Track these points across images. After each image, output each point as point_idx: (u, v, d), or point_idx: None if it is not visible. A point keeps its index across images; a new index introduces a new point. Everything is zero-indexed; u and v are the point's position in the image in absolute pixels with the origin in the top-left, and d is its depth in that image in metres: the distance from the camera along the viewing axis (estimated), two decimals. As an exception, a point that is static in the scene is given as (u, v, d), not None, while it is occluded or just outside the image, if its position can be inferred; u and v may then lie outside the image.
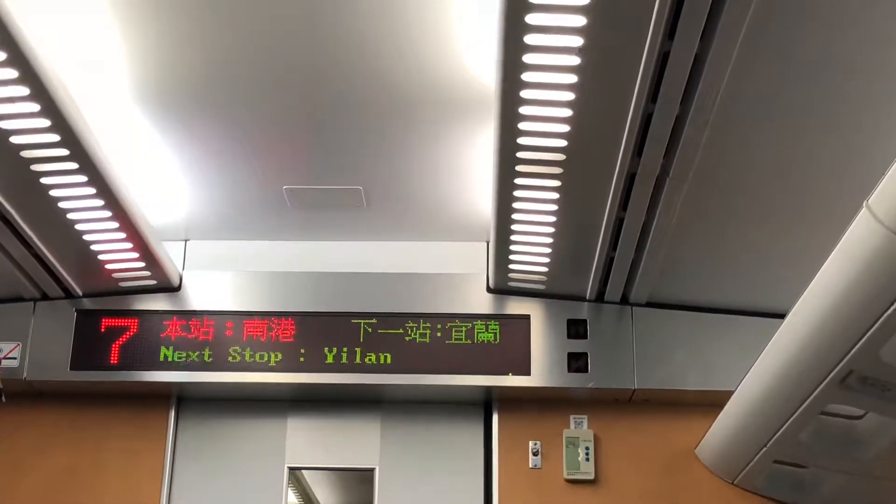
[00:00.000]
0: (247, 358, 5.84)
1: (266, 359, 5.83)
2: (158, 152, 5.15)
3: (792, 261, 4.94)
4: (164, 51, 4.40)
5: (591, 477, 5.84)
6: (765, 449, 5.03)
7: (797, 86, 4.04)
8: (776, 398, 4.53)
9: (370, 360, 5.81)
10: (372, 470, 6.04)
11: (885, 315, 3.48)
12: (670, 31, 3.58)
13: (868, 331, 3.61)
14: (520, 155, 4.48)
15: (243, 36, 4.33)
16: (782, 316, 4.23)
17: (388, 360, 5.81)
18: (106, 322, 5.92)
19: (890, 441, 4.47)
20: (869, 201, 3.24)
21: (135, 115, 4.81)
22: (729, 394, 5.08)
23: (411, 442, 6.08)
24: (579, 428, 5.93)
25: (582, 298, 5.89)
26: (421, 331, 5.87)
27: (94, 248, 5.49)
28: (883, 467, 4.79)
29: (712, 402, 5.41)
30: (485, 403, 6.07)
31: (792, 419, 4.53)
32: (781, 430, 4.69)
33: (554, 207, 4.95)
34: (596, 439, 5.91)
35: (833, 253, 3.61)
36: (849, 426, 4.68)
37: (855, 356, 3.80)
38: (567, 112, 4.15)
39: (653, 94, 3.92)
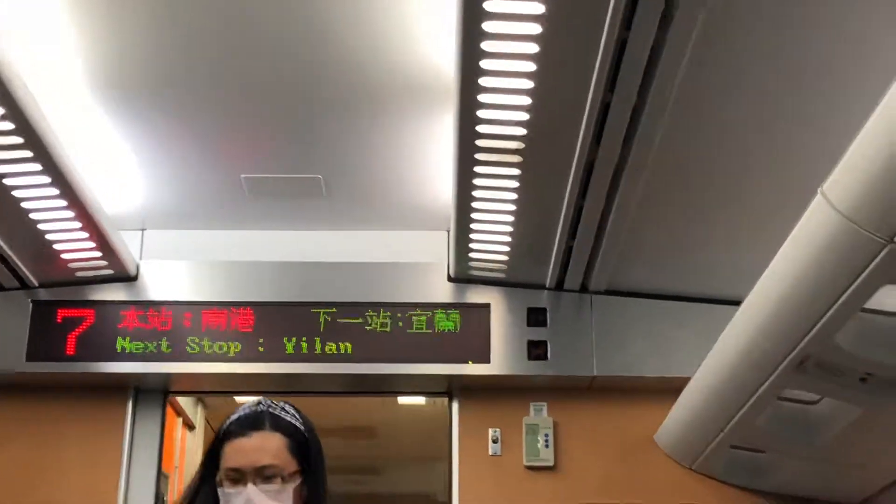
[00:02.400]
0: (205, 348, 5.80)
1: (225, 349, 5.80)
2: (113, 141, 5.09)
3: (750, 248, 4.96)
4: (120, 38, 4.35)
5: (551, 463, 5.86)
6: (722, 434, 5.07)
7: (754, 74, 4.06)
8: (733, 383, 4.56)
9: (330, 349, 5.80)
10: None
11: (841, 300, 3.51)
12: (627, 21, 3.59)
13: (823, 316, 3.64)
14: (479, 143, 4.48)
15: (200, 23, 4.29)
16: (740, 303, 4.26)
17: (349, 350, 5.80)
18: (62, 313, 5.84)
19: (844, 425, 4.52)
20: (823, 188, 3.27)
21: (89, 103, 4.75)
22: (688, 380, 5.11)
23: None
24: (539, 415, 5.94)
25: (542, 286, 5.90)
26: (381, 320, 5.85)
27: (49, 237, 5.42)
28: (838, 452, 4.85)
29: (671, 389, 5.44)
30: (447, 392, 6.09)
31: (749, 404, 4.57)
32: (738, 415, 4.72)
33: (513, 196, 4.95)
34: (555, 426, 5.93)
35: (788, 239, 3.65)
36: (804, 411, 4.72)
37: (811, 341, 3.83)
38: (526, 100, 4.15)
39: (611, 84, 3.92)
